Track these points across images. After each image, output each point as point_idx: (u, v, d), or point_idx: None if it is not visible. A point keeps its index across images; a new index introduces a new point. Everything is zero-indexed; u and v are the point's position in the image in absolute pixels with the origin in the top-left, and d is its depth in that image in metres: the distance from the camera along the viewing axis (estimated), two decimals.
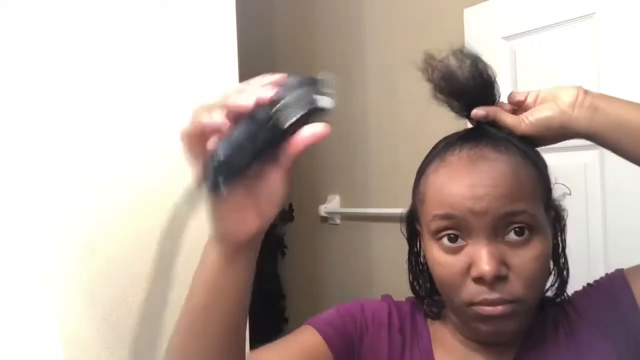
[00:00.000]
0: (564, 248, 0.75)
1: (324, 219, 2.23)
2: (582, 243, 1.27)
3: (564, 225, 0.75)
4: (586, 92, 0.70)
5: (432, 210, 0.68)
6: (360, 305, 0.78)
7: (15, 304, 0.81)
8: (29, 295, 0.83)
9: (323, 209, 2.20)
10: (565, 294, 0.77)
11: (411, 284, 0.80)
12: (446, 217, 0.67)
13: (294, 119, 0.50)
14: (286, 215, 2.42)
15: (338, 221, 2.19)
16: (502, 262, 0.65)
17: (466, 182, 0.66)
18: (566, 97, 0.70)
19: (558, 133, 0.71)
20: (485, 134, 0.70)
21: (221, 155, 0.49)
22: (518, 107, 0.73)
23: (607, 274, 0.75)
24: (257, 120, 0.50)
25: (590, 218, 1.27)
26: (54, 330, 0.85)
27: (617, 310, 0.71)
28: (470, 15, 1.56)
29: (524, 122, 0.70)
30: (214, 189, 0.50)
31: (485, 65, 0.71)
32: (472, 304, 0.66)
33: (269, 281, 2.40)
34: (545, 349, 0.72)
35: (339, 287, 2.16)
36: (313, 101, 0.51)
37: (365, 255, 2.02)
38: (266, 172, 0.53)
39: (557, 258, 0.75)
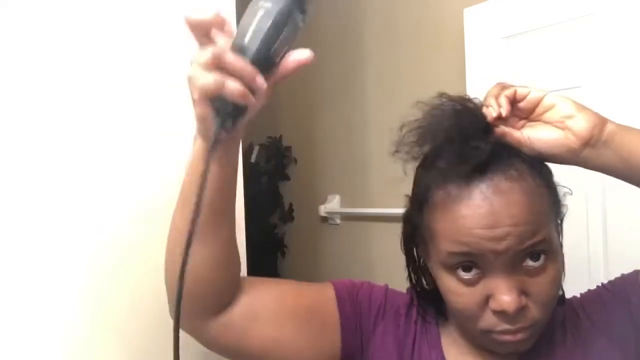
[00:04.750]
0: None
1: (324, 219, 2.23)
2: (582, 243, 1.27)
3: (562, 220, 0.75)
4: (602, 127, 0.65)
5: (445, 247, 0.65)
6: (385, 289, 0.80)
7: (15, 304, 0.81)
8: (29, 295, 0.83)
9: (323, 209, 2.20)
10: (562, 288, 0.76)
11: (415, 293, 0.79)
12: (463, 254, 0.64)
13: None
14: (286, 215, 2.42)
15: (338, 221, 2.19)
16: (522, 292, 0.64)
17: (484, 223, 0.62)
18: (579, 128, 0.65)
19: (562, 163, 0.68)
20: (489, 154, 0.64)
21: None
22: (516, 103, 0.69)
23: (622, 275, 0.74)
24: None
25: (590, 216, 1.27)
26: (54, 330, 0.84)
27: (627, 315, 0.69)
28: (470, 15, 1.56)
29: (527, 146, 0.66)
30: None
31: (461, 104, 0.67)
32: (491, 331, 0.66)
33: None
34: (553, 353, 0.71)
35: None
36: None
37: (365, 255, 2.02)
38: None
39: None
